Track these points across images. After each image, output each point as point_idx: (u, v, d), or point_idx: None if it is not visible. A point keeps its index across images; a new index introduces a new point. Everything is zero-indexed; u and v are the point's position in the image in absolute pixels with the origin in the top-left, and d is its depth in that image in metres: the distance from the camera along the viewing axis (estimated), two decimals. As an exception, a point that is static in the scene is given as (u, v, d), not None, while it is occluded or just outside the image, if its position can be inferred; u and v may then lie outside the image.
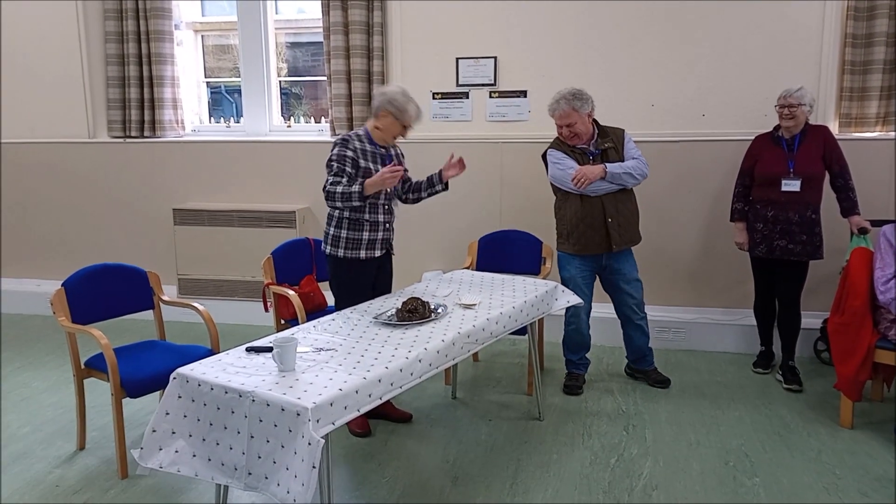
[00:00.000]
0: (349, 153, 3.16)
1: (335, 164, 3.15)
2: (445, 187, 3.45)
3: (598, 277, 3.85)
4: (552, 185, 3.76)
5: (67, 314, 3.09)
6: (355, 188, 3.06)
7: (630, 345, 3.94)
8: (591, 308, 3.82)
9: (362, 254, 3.26)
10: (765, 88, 4.21)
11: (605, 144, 3.67)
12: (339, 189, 3.09)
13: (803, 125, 3.72)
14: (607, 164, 3.58)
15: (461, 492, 2.83)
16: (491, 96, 4.63)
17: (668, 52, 4.35)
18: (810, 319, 4.09)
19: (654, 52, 4.36)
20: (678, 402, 3.68)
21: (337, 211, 3.26)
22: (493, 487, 2.86)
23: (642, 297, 3.85)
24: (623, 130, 3.75)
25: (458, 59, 4.63)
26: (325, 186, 3.14)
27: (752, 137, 3.92)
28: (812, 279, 3.89)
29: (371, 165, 3.21)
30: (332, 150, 3.19)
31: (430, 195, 3.47)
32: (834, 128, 4.17)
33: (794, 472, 2.95)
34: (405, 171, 3.41)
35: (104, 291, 3.25)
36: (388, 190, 3.25)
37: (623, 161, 3.64)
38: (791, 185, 3.67)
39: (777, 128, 3.81)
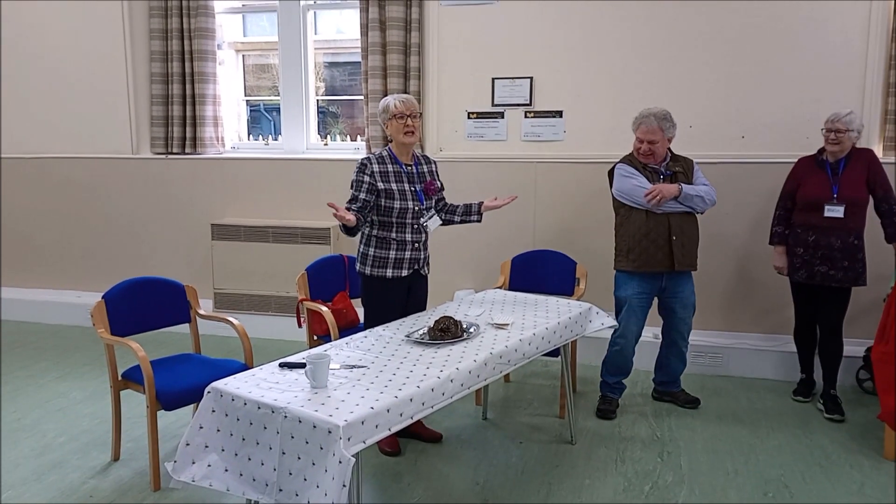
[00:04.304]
0: (366, 178, 3.18)
1: (351, 190, 3.20)
2: (479, 219, 3.48)
3: (654, 301, 3.79)
4: (615, 200, 3.72)
5: (107, 326, 3.15)
6: (340, 223, 3.07)
7: (665, 368, 3.88)
8: (641, 333, 3.76)
9: (389, 272, 3.26)
10: (807, 110, 4.15)
11: (675, 168, 3.65)
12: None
13: (849, 150, 3.64)
14: (683, 185, 3.56)
15: (491, 515, 2.80)
16: (526, 116, 4.64)
17: (707, 72, 4.31)
18: (853, 347, 3.97)
19: (693, 73, 4.33)
20: (715, 429, 3.60)
21: (367, 228, 3.28)
22: (523, 511, 2.82)
23: (692, 324, 3.80)
24: (693, 161, 3.73)
25: (493, 79, 4.65)
26: None
27: (793, 160, 3.84)
28: (855, 306, 3.78)
29: (394, 186, 3.21)
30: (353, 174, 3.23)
31: (462, 222, 3.51)
32: (878, 151, 4.08)
33: (836, 506, 2.86)
34: (440, 188, 3.42)
35: (143, 304, 3.31)
36: (416, 208, 3.26)
37: None
38: (834, 212, 3.59)
39: (821, 151, 3.73)
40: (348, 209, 3.12)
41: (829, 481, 3.05)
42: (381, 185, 3.19)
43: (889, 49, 4.02)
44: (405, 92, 4.74)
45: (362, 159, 3.23)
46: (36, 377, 4.33)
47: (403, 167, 3.28)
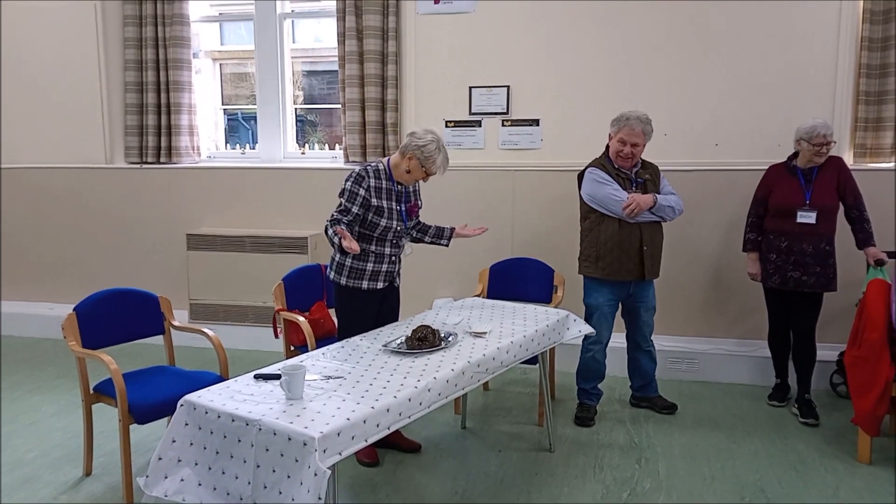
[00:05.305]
0: (361, 191, 3.11)
1: (343, 202, 3.12)
2: (448, 244, 3.50)
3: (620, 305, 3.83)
4: (584, 204, 3.70)
5: (78, 339, 3.10)
6: (336, 240, 3.00)
7: (637, 370, 3.91)
8: (610, 337, 3.79)
9: (364, 284, 3.23)
10: (779, 118, 4.21)
11: (645, 175, 3.67)
12: (330, 231, 3.06)
13: None
14: (657, 196, 3.59)
15: (470, 524, 2.79)
16: (503, 125, 4.65)
17: (681, 81, 4.35)
18: (826, 352, 4.03)
19: (667, 82, 4.37)
20: (692, 434, 3.62)
21: None
22: (502, 520, 2.81)
23: (653, 324, 3.84)
24: (658, 167, 3.77)
25: (471, 87, 4.66)
26: (331, 216, 3.13)
27: (766, 167, 3.90)
28: (827, 311, 3.83)
29: (385, 204, 3.18)
30: (345, 182, 3.15)
31: (431, 244, 3.51)
32: (848, 158, 4.15)
33: (812, 510, 2.89)
34: (419, 206, 3.41)
35: (115, 316, 3.26)
36: (398, 226, 3.24)
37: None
38: (807, 217, 3.64)
39: (791, 158, 3.78)
40: (338, 220, 3.08)
41: (804, 485, 3.08)
42: (374, 202, 3.15)
43: (858, 57, 4.10)
44: (382, 100, 4.74)
45: (359, 170, 3.15)
46: (7, 391, 4.25)
47: (395, 185, 3.24)
